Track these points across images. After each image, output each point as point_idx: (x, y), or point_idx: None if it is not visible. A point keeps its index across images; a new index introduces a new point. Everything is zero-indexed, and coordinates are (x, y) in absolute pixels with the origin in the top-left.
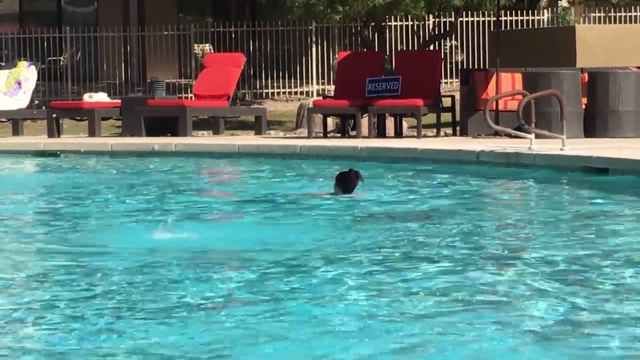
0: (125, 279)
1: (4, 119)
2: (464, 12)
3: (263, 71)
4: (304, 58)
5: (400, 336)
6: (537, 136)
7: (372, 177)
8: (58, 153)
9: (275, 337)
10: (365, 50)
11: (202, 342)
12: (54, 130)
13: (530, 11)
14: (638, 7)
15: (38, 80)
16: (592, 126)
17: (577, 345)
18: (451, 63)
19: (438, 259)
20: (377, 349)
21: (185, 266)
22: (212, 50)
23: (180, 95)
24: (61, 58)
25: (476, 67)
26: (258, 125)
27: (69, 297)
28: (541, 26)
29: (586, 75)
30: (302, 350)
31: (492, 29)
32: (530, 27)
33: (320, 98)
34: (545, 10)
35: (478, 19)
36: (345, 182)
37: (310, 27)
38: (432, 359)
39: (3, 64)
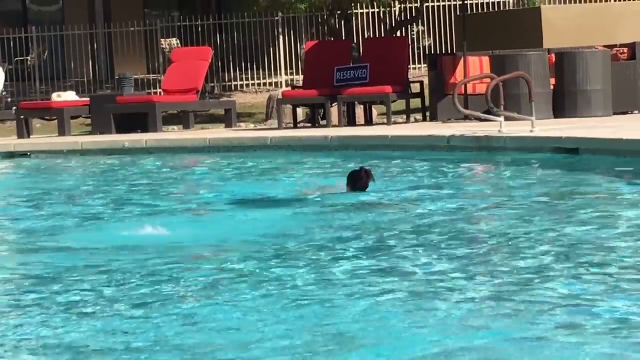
0: (98, 276)
1: None
2: None
3: (231, 64)
4: (271, 49)
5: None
6: (507, 119)
7: (344, 166)
8: (29, 154)
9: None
10: (332, 39)
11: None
12: (24, 131)
13: None
14: None
15: (6, 81)
16: (562, 107)
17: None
18: (419, 49)
19: (410, 245)
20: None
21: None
22: (179, 45)
23: (149, 91)
24: (28, 58)
25: (444, 51)
26: (228, 118)
27: (45, 295)
28: (507, 8)
29: (553, 56)
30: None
31: (458, 13)
32: (497, 9)
33: (290, 89)
34: None
35: (444, 3)
36: (355, 181)
37: (276, 18)
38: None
39: None
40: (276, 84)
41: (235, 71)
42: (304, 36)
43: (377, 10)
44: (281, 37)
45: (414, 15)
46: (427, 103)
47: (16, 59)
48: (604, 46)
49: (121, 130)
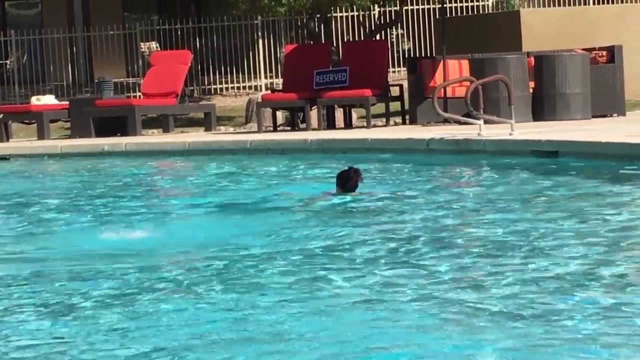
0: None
1: None
2: (409, 1)
3: (211, 67)
4: (251, 52)
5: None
6: (486, 122)
7: (324, 169)
8: (8, 157)
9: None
10: (311, 42)
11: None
12: (3, 134)
13: None
14: None
15: None
16: (541, 110)
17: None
18: (398, 52)
19: (394, 245)
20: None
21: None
22: (158, 48)
23: (129, 94)
24: (7, 62)
25: (423, 55)
26: (208, 122)
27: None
28: (486, 12)
29: (532, 59)
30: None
31: (437, 17)
32: (476, 13)
33: (269, 92)
34: None
35: (423, 6)
36: (345, 181)
37: (256, 22)
38: None
39: None
40: (255, 87)
41: (214, 74)
42: (283, 39)
43: (357, 13)
44: (260, 41)
45: (393, 18)
46: (407, 106)
47: None
48: (583, 49)
49: (100, 133)
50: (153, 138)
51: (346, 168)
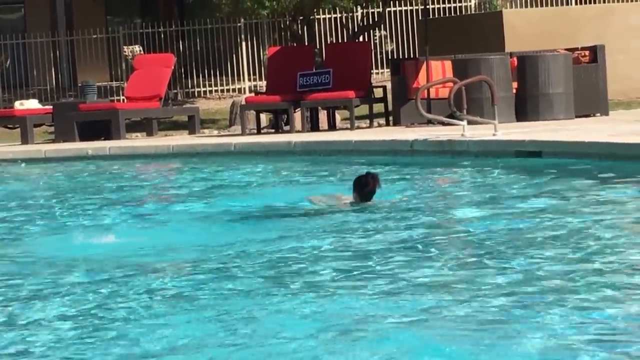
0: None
1: None
2: (391, 2)
3: (194, 70)
4: (234, 55)
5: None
6: (470, 122)
7: (308, 172)
8: None
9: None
10: (295, 44)
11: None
12: None
13: None
14: None
15: None
16: (524, 110)
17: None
18: (381, 53)
19: (374, 247)
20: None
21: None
22: (142, 52)
23: (112, 98)
24: None
25: (406, 56)
26: (191, 125)
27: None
28: (469, 12)
29: (515, 59)
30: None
31: (420, 18)
32: (458, 14)
33: (253, 94)
34: None
35: (406, 8)
36: (362, 187)
37: (239, 24)
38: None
39: None
40: (239, 89)
41: (198, 77)
42: (266, 42)
43: (339, 15)
44: (244, 43)
45: (376, 20)
46: (390, 107)
47: None
48: (566, 49)
49: (84, 137)
50: (137, 142)
51: (363, 173)
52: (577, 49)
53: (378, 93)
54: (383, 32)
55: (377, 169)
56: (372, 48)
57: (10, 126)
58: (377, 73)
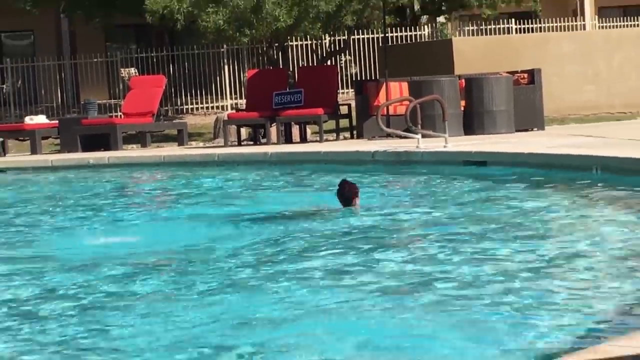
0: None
1: None
2: (355, 31)
3: (182, 90)
4: (218, 77)
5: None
6: (424, 136)
7: (282, 179)
8: (5, 171)
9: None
10: (271, 67)
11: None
12: (0, 150)
13: (412, 27)
14: (505, 20)
15: None
16: (471, 125)
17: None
18: (346, 75)
19: (326, 249)
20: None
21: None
22: (137, 74)
23: (111, 114)
24: (4, 86)
25: (368, 78)
26: (180, 138)
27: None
28: (423, 40)
29: (463, 81)
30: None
31: (380, 45)
32: (414, 41)
33: (234, 111)
34: (426, 26)
35: (368, 36)
36: (338, 194)
37: (222, 50)
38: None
39: None
40: (222, 107)
41: (186, 96)
42: (246, 65)
43: (310, 42)
44: (226, 67)
45: (342, 46)
46: (354, 123)
47: None
48: (507, 72)
49: (86, 148)
50: (132, 152)
51: (341, 180)
52: (517, 72)
53: (344, 110)
54: (348, 57)
55: (344, 176)
56: (339, 71)
57: (21, 138)
58: (343, 93)
